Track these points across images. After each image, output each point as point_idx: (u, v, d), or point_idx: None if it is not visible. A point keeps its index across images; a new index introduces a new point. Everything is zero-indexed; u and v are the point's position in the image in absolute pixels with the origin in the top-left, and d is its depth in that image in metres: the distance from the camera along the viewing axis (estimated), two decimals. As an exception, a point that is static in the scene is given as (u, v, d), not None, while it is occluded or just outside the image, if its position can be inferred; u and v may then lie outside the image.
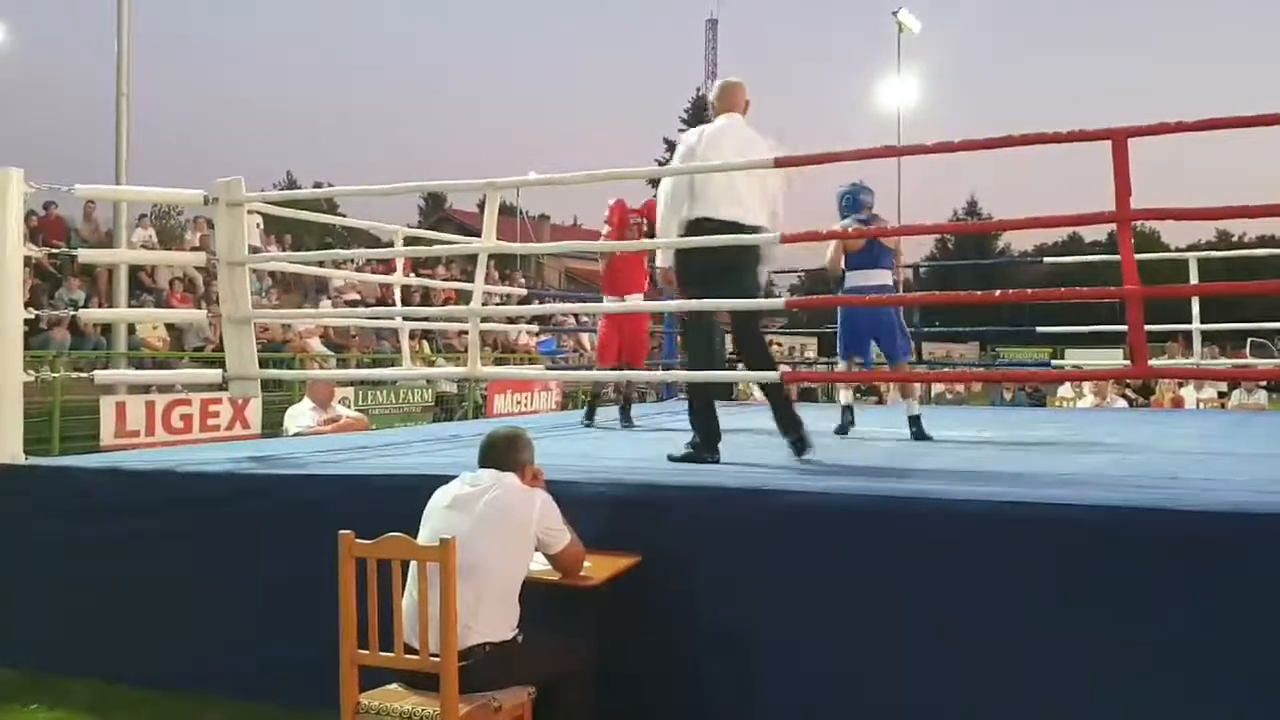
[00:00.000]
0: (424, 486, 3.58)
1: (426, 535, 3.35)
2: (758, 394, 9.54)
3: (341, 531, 3.20)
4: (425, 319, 8.92)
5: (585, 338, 18.76)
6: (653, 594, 3.77)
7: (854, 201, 6.48)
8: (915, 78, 33.55)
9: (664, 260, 5.11)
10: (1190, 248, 27.41)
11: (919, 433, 6.15)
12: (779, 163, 4.86)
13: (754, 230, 4.88)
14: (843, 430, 6.51)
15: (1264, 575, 3.07)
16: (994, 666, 3.36)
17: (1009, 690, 3.34)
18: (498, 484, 3.42)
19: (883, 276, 6.40)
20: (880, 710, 3.51)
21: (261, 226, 16.26)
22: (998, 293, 4.32)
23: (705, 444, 4.85)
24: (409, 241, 7.67)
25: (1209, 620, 3.11)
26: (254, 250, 13.46)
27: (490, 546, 3.30)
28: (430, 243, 7.93)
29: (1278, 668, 3.04)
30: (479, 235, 5.42)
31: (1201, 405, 13.20)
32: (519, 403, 12.52)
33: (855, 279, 6.38)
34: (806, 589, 3.63)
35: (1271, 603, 3.05)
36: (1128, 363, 4.39)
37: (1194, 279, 9.15)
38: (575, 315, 19.33)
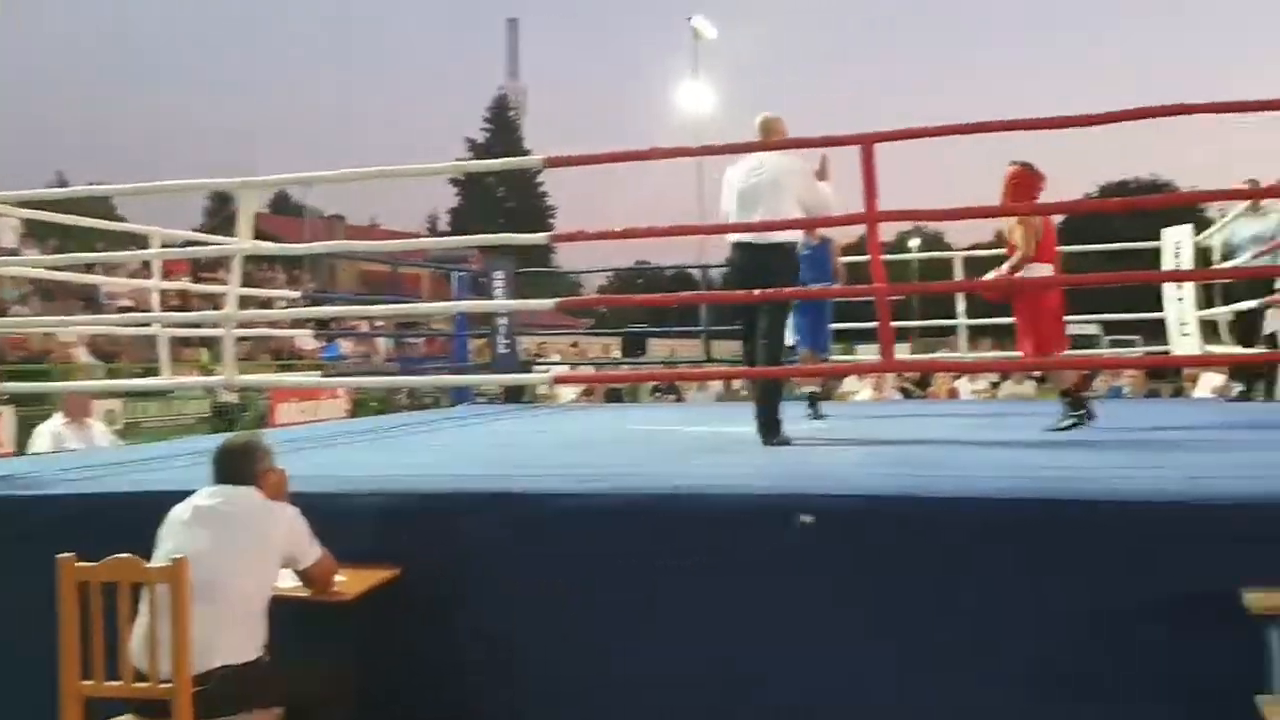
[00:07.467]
0: (166, 504, 3.39)
1: (163, 554, 3.17)
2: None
3: (59, 555, 2.98)
4: (183, 324, 8.46)
5: (380, 342, 18.32)
6: (414, 606, 3.67)
7: None
8: (713, 83, 34.22)
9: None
10: (971, 247, 28.83)
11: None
12: (548, 163, 4.90)
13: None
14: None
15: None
16: (763, 660, 3.42)
17: (782, 684, 3.41)
18: (238, 498, 3.27)
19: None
20: (652, 711, 3.53)
21: (20, 230, 15.18)
22: (749, 291, 4.43)
23: None
24: (187, 243, 7.36)
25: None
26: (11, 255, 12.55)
27: (232, 564, 3.16)
28: (199, 244, 7.55)
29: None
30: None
31: (975, 396, 13.92)
32: (305, 411, 12.08)
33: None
34: (568, 592, 3.61)
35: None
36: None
37: (959, 277, 9.69)
38: (370, 320, 18.79)
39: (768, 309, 5.13)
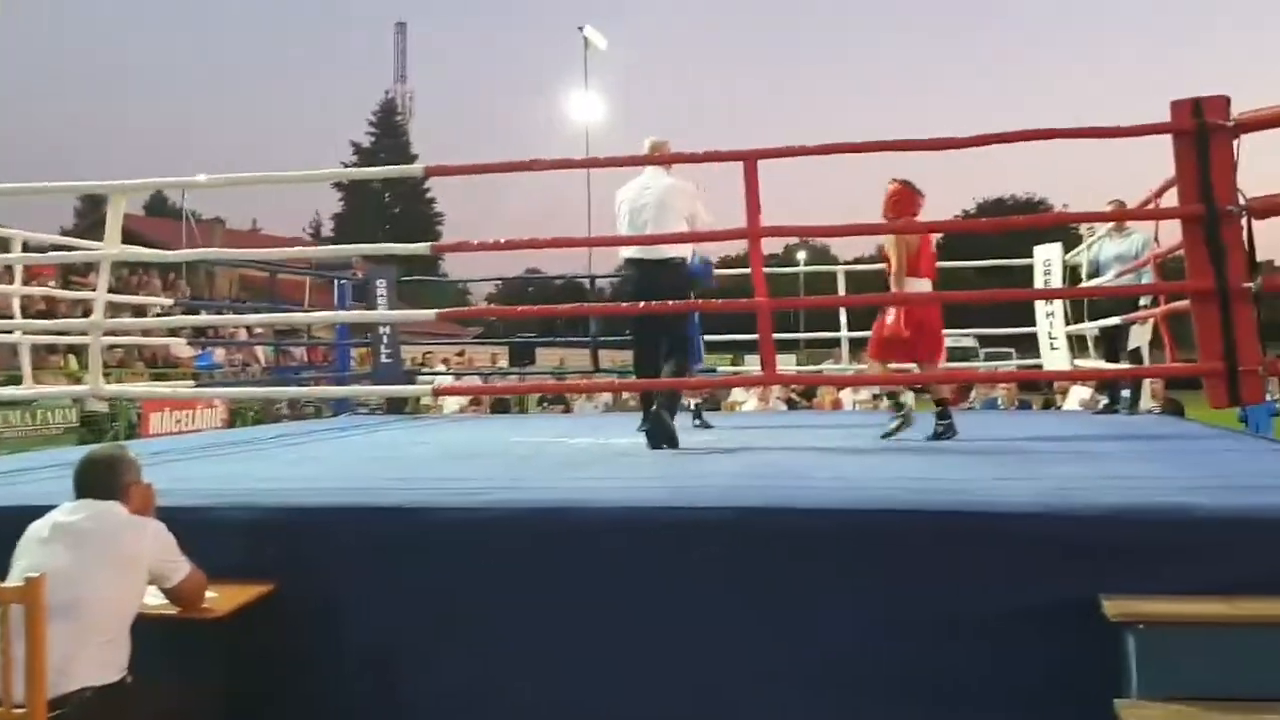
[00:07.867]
0: (25, 519, 3.24)
1: (18, 572, 3.03)
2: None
3: (-101, 576, 2.83)
4: (47, 331, 8.14)
5: (259, 351, 17.82)
6: (289, 622, 3.58)
7: None
8: (603, 92, 34.44)
9: None
10: (855, 261, 29.48)
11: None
12: (428, 172, 4.85)
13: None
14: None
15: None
16: (650, 669, 3.43)
17: (667, 689, 3.42)
18: (101, 513, 3.14)
19: None
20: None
21: None
22: (637, 304, 4.46)
23: None
24: (56, 247, 7.08)
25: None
26: None
27: (93, 582, 3.03)
28: (65, 248, 7.25)
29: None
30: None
31: (859, 406, 14.19)
32: (179, 421, 11.71)
33: None
34: (446, 606, 3.57)
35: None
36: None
37: (842, 291, 9.92)
38: (248, 328, 18.32)
39: (669, 324, 5.26)
